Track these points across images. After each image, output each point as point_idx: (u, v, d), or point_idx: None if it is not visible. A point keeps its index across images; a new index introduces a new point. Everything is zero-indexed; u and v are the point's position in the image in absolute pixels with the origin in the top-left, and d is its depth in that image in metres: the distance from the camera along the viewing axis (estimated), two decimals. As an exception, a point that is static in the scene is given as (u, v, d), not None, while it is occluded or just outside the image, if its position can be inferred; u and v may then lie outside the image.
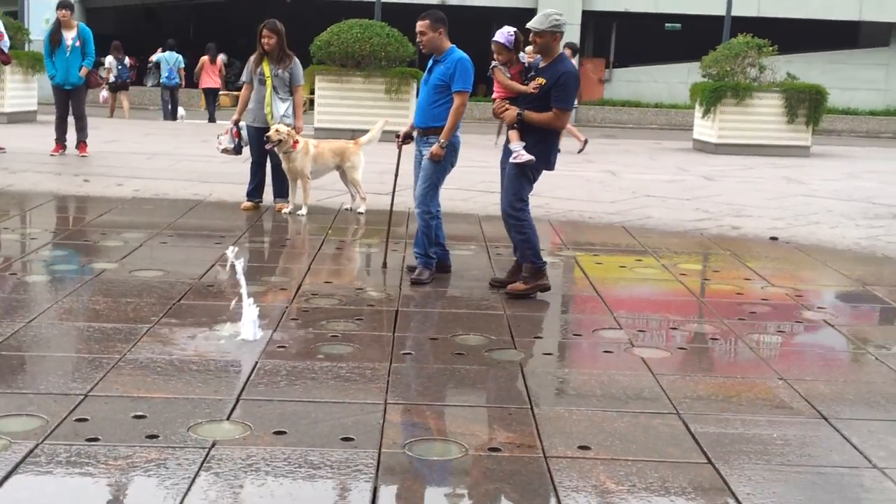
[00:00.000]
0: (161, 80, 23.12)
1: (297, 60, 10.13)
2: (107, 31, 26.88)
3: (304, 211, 9.92)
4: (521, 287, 6.99)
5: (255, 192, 10.26)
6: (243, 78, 10.27)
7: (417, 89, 8.04)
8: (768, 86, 19.08)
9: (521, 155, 6.78)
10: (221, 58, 24.06)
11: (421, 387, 5.07)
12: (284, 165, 9.91)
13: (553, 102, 6.71)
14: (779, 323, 6.61)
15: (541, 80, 6.72)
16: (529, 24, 6.78)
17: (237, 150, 10.42)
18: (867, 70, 30.30)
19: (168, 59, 23.16)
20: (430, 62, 7.39)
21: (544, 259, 7.11)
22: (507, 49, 6.90)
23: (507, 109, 6.86)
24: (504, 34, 6.91)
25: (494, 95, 7.05)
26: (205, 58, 23.88)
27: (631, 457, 4.18)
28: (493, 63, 7.00)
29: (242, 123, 10.30)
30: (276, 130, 9.65)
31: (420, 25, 7.24)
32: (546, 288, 7.00)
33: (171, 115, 22.88)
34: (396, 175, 7.83)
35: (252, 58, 10.09)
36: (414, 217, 7.52)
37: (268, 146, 9.72)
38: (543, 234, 7.29)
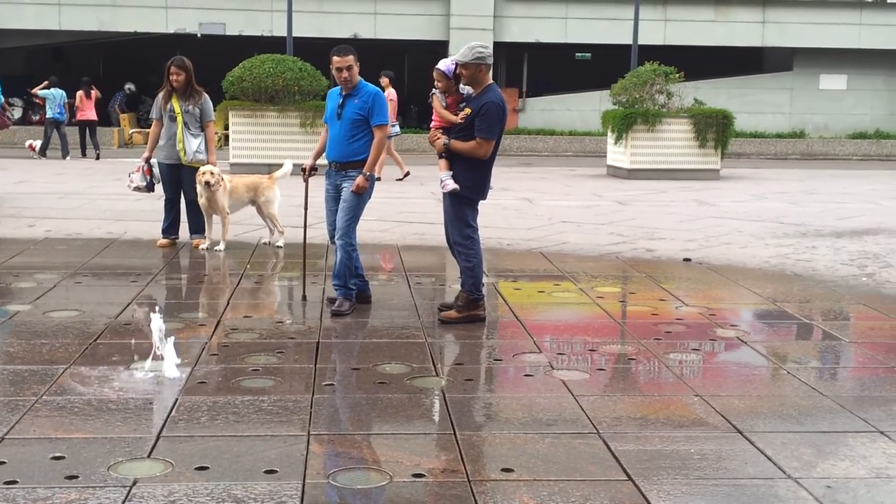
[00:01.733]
0: (52, 116, 22.98)
1: (206, 96, 10.09)
2: (15, 72, 26.45)
3: (221, 246, 9.86)
4: (454, 315, 7.07)
5: (170, 228, 10.18)
6: (153, 115, 10.17)
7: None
8: (677, 112, 19.55)
9: (447, 184, 6.90)
10: (95, 92, 24.22)
11: (344, 417, 5.08)
12: (202, 201, 9.84)
13: (476, 131, 6.81)
14: (694, 341, 6.75)
15: (468, 111, 6.84)
16: (455, 58, 6.88)
17: (149, 188, 10.34)
18: (772, 94, 31.19)
19: (55, 95, 23.01)
20: (338, 97, 7.38)
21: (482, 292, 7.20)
22: (446, 77, 7.00)
23: (438, 138, 6.96)
24: (446, 63, 7.01)
25: (432, 124, 7.14)
26: (80, 92, 24.01)
27: (553, 477, 4.24)
28: (433, 90, 7.08)
29: (153, 161, 10.20)
30: (210, 173, 9.64)
31: (344, 61, 7.19)
32: (481, 318, 7.10)
33: (65, 151, 22.87)
34: (306, 208, 7.86)
35: (161, 94, 10.03)
36: (331, 250, 7.51)
37: (212, 189, 9.68)
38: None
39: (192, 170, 9.91)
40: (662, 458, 4.48)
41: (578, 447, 4.62)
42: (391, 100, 17.69)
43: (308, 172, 7.66)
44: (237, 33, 28.82)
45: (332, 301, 7.42)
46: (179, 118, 9.85)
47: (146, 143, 10.73)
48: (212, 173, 9.68)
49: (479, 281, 7.14)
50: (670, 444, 4.68)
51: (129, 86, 31.60)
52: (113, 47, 32.39)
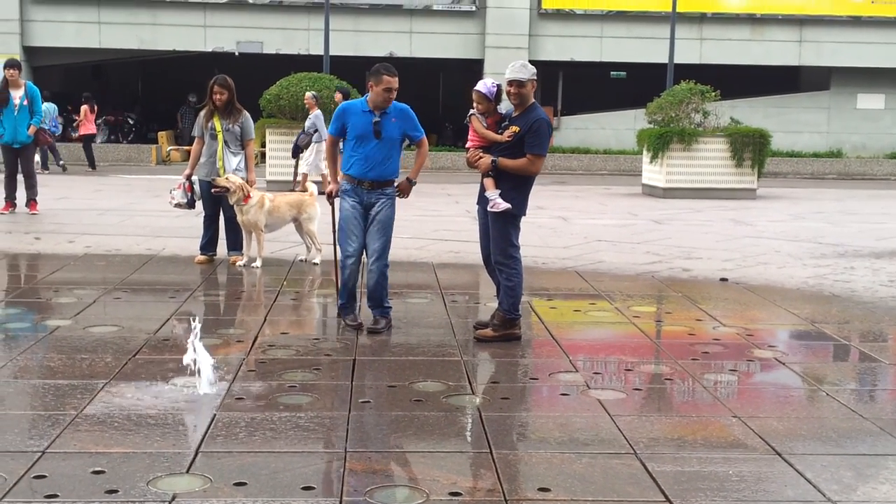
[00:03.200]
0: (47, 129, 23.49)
1: (247, 114, 10.20)
2: (54, 90, 26.82)
3: (258, 263, 9.93)
4: (490, 334, 7.08)
5: (208, 245, 10.26)
6: (195, 132, 10.29)
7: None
8: (713, 131, 19.48)
9: (498, 204, 6.92)
10: (96, 107, 25.40)
11: (380, 434, 5.09)
12: (238, 218, 9.93)
13: (527, 148, 6.86)
14: (731, 362, 6.71)
15: (515, 129, 6.87)
16: (512, 76, 6.90)
17: (190, 205, 10.41)
18: (809, 113, 30.98)
19: (49, 110, 23.26)
20: (368, 115, 7.29)
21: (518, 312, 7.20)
22: (487, 99, 7.04)
23: (480, 158, 6.98)
24: (486, 85, 7.06)
25: (469, 144, 7.16)
26: (85, 107, 24.66)
27: (590, 497, 4.23)
28: (471, 111, 7.12)
29: (194, 178, 10.30)
30: (227, 178, 9.76)
31: (396, 81, 7.22)
32: (517, 337, 7.10)
33: (57, 162, 23.40)
34: (335, 228, 7.78)
35: (203, 113, 10.15)
36: (366, 268, 7.51)
37: (214, 191, 9.79)
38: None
39: None
40: (700, 480, 4.46)
41: (615, 467, 4.60)
42: None
43: (335, 196, 7.64)
44: (274, 52, 29.06)
45: (369, 329, 7.40)
46: (220, 136, 9.98)
47: (183, 161, 10.84)
48: (227, 178, 9.78)
49: (517, 301, 7.14)
50: (708, 465, 4.65)
51: (192, 97, 31.95)
52: (152, 65, 32.77)
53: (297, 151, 17.01)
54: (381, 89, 7.21)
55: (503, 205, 6.93)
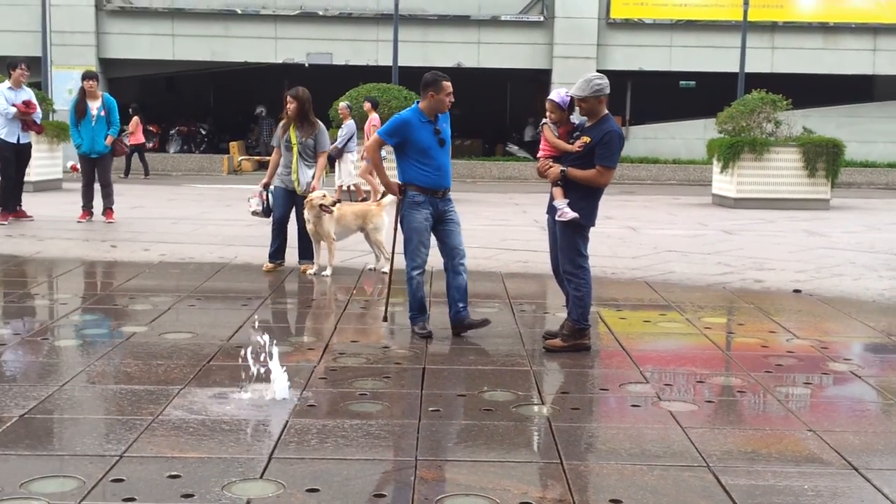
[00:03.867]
0: None
1: (321, 127, 10.38)
2: (129, 101, 27.37)
3: (328, 272, 10.03)
4: (559, 344, 7.07)
5: (276, 253, 10.39)
6: (273, 143, 10.57)
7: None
8: (785, 140, 19.22)
9: (566, 213, 6.91)
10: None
11: (451, 443, 5.11)
12: (311, 228, 10.04)
13: (597, 160, 6.84)
14: (805, 375, 6.61)
15: (586, 139, 6.86)
16: (572, 92, 6.93)
17: (266, 213, 10.58)
18: (883, 123, 30.41)
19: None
20: (428, 124, 7.37)
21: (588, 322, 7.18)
22: (560, 108, 7.06)
23: (550, 167, 6.99)
24: (560, 94, 7.08)
25: (540, 154, 7.18)
26: (135, 118, 25.46)
27: (663, 509, 4.20)
28: (544, 120, 7.16)
29: (272, 188, 10.47)
30: (323, 196, 9.99)
31: (450, 87, 7.39)
32: (586, 347, 7.08)
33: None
34: (395, 235, 7.77)
35: (281, 123, 10.40)
36: (436, 276, 7.58)
37: (326, 213, 9.99)
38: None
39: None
40: (775, 494, 4.40)
41: (688, 480, 4.56)
42: (374, 124, 18.02)
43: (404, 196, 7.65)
44: (343, 63, 29.34)
45: (472, 324, 7.56)
46: (295, 149, 10.14)
47: (255, 171, 10.97)
48: (324, 196, 9.98)
49: (587, 311, 7.12)
50: (783, 479, 4.59)
51: (261, 109, 32.47)
52: (223, 77, 33.29)
53: (330, 162, 17.17)
54: (443, 96, 7.32)
55: (571, 214, 6.92)
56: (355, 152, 17.83)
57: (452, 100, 7.41)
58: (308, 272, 10.13)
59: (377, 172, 7.82)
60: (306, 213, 10.05)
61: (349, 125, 17.97)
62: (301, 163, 10.17)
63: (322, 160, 10.34)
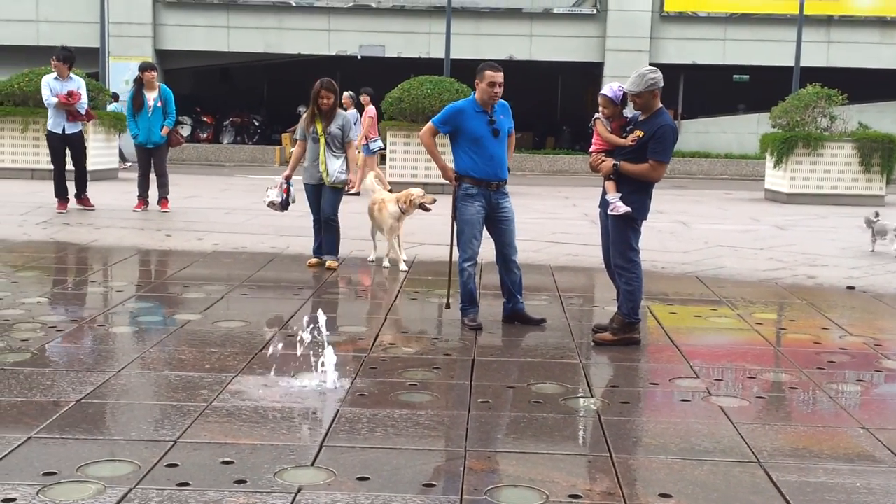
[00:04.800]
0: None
1: (346, 116, 10.20)
2: (184, 92, 27.68)
3: (403, 266, 10.09)
4: (609, 338, 7.06)
5: (321, 248, 10.24)
6: (297, 136, 10.30)
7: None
8: (840, 135, 18.96)
9: (618, 207, 6.90)
10: None
11: (499, 434, 5.13)
12: (392, 222, 9.98)
13: (650, 154, 6.81)
14: (858, 372, 6.55)
15: (639, 133, 6.84)
16: (626, 88, 6.90)
17: (284, 206, 10.45)
18: (941, 118, 29.87)
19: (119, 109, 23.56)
20: (483, 114, 7.42)
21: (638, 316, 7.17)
22: (613, 103, 7.03)
23: (603, 161, 6.98)
24: (612, 89, 7.04)
25: (592, 148, 7.17)
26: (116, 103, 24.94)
27: (713, 504, 4.19)
28: (596, 115, 7.14)
29: (293, 180, 10.34)
30: (423, 194, 9.92)
31: (500, 75, 7.40)
32: (636, 341, 7.07)
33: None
34: (453, 226, 7.73)
35: (305, 116, 10.14)
36: (486, 269, 7.62)
37: (425, 211, 9.98)
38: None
39: (335, 190, 9.99)
40: (827, 491, 4.37)
41: (738, 475, 4.54)
42: (371, 116, 18.19)
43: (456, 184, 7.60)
44: (396, 55, 29.42)
45: (529, 319, 7.65)
46: (322, 140, 9.89)
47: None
48: (423, 194, 9.91)
49: (637, 305, 7.10)
50: (835, 476, 4.55)
51: (301, 108, 32.73)
52: (276, 68, 33.52)
53: None
54: (485, 84, 7.37)
55: (623, 208, 6.91)
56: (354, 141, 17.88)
57: (497, 91, 7.38)
58: (377, 261, 10.31)
59: (433, 157, 7.74)
60: (394, 207, 9.91)
61: (350, 114, 18.06)
62: (329, 153, 9.90)
63: (352, 151, 10.16)
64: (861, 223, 12.48)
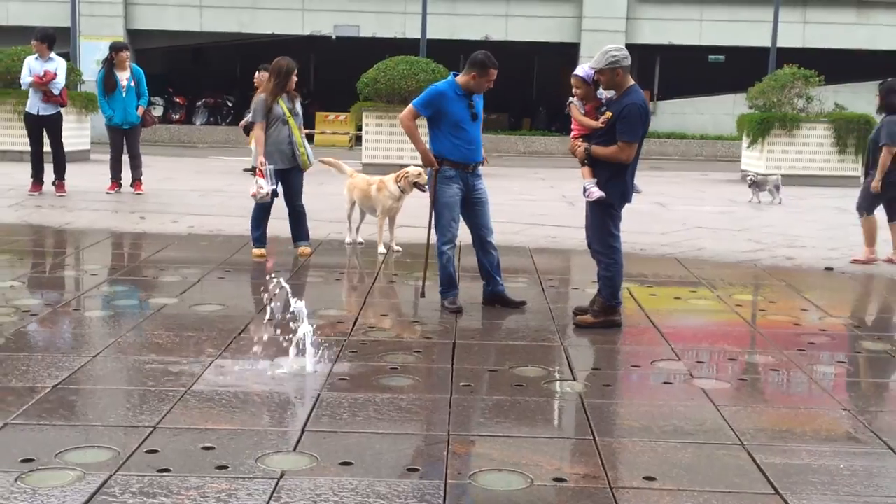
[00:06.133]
0: None
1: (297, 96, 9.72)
2: (156, 72, 27.41)
3: (397, 247, 10.01)
4: (590, 320, 7.03)
5: (264, 237, 9.64)
6: (257, 118, 9.34)
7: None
8: (816, 116, 19.02)
9: (593, 193, 6.83)
10: None
11: (483, 418, 5.09)
12: (391, 203, 9.74)
13: (617, 135, 6.71)
14: (839, 354, 6.56)
15: (609, 114, 6.75)
16: (590, 65, 6.83)
17: (275, 193, 9.56)
18: (915, 99, 30.02)
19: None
20: (463, 98, 7.36)
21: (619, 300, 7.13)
22: (585, 83, 6.92)
23: (579, 146, 6.90)
24: (585, 69, 6.94)
25: (572, 133, 7.09)
26: None
27: (697, 488, 4.17)
28: (570, 98, 7.05)
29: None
30: (420, 172, 9.28)
31: (496, 73, 7.37)
32: (617, 324, 7.04)
33: None
34: (433, 211, 7.59)
35: (263, 96, 9.34)
36: (465, 250, 7.60)
37: (421, 191, 9.37)
38: (594, 266, 7.31)
39: (301, 173, 9.56)
40: (810, 473, 4.36)
41: (722, 458, 4.53)
42: None
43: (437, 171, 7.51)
44: (371, 35, 29.24)
45: (509, 302, 7.65)
46: (291, 121, 9.32)
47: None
48: (420, 173, 9.34)
49: (617, 289, 7.06)
50: (818, 458, 4.55)
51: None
52: (250, 49, 33.25)
53: (248, 131, 16.55)
54: (484, 81, 7.32)
55: (598, 193, 6.83)
56: None
57: (491, 87, 7.39)
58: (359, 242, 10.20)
59: (413, 141, 7.54)
60: (394, 187, 9.67)
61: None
62: (302, 136, 9.40)
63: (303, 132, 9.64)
64: (838, 203, 12.54)
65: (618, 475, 4.30)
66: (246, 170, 17.67)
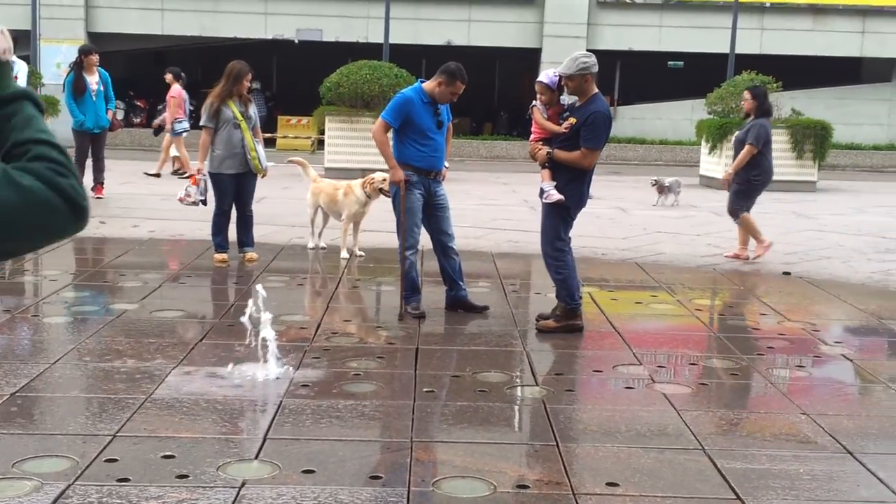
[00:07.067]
0: None
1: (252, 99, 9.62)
2: (117, 75, 27.12)
3: (361, 253, 9.96)
4: (552, 325, 7.06)
5: (226, 241, 9.50)
6: (206, 122, 9.18)
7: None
8: (774, 122, 19.15)
9: (551, 195, 6.88)
10: None
11: (446, 424, 5.09)
12: (357, 208, 9.67)
13: (581, 141, 6.78)
14: (798, 357, 6.63)
15: (572, 120, 6.81)
16: (559, 70, 6.88)
17: (205, 202, 9.54)
18: (870, 105, 30.42)
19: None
20: (429, 107, 7.36)
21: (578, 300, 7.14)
22: (549, 89, 6.99)
23: (540, 149, 6.95)
24: (549, 75, 7.01)
25: (532, 137, 7.14)
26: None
27: (660, 493, 4.20)
28: (533, 102, 7.10)
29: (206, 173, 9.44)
30: (384, 178, 8.85)
31: (462, 89, 7.38)
32: (578, 328, 7.06)
33: None
34: (401, 220, 7.55)
35: (211, 100, 9.16)
36: (429, 255, 7.61)
37: (386, 196, 8.95)
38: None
39: (254, 179, 9.40)
40: (771, 478, 4.41)
41: (684, 463, 4.56)
42: (172, 96, 17.69)
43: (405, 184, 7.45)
44: (334, 39, 29.15)
45: (472, 306, 7.62)
46: (243, 124, 9.12)
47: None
48: (384, 179, 8.96)
49: (573, 291, 7.08)
50: (778, 462, 4.59)
51: (256, 84, 32.26)
52: (212, 52, 33.04)
53: (158, 131, 16.51)
54: (448, 91, 7.33)
55: (556, 196, 6.89)
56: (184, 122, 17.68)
57: (454, 99, 7.43)
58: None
59: (385, 156, 7.41)
60: (360, 192, 9.57)
61: (182, 93, 17.87)
62: (254, 140, 9.18)
63: (260, 137, 9.52)
64: (794, 208, 12.67)
65: (581, 481, 4.31)
66: (175, 172, 17.68)
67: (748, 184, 10.46)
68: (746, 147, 10.21)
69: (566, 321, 7.07)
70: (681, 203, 15.35)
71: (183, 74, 17.85)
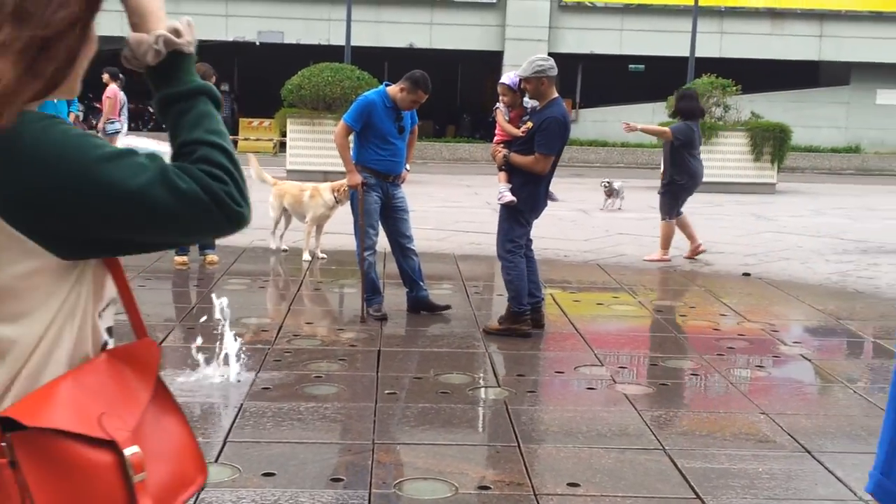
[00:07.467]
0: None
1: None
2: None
3: (322, 255, 9.97)
4: (494, 326, 7.05)
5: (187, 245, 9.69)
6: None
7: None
8: (734, 125, 19.39)
9: (504, 196, 6.90)
10: None
11: (408, 426, 5.08)
12: (324, 212, 9.78)
13: (535, 146, 6.78)
14: (757, 357, 6.68)
15: (529, 124, 6.82)
16: (517, 72, 6.90)
17: None
18: (828, 108, 30.83)
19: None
20: (392, 112, 7.35)
21: (527, 305, 7.12)
22: (512, 91, 7.00)
23: (499, 152, 6.97)
24: (511, 77, 7.03)
25: (496, 139, 7.16)
26: None
27: (620, 493, 4.21)
28: (497, 105, 7.11)
29: None
30: (343, 190, 9.12)
31: (424, 98, 7.38)
32: (524, 334, 7.00)
33: None
34: (359, 221, 7.52)
35: None
36: (403, 253, 7.61)
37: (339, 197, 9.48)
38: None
39: None
40: (730, 477, 4.44)
41: (645, 463, 4.58)
42: (108, 97, 17.31)
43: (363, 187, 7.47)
44: (295, 41, 29.07)
45: (433, 306, 7.64)
46: None
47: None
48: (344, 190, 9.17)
49: (520, 294, 7.06)
50: (738, 462, 4.63)
51: (224, 86, 32.06)
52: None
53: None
54: (410, 98, 7.32)
55: (508, 197, 6.92)
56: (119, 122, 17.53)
57: (415, 108, 7.46)
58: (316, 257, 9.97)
59: (344, 160, 7.42)
60: (329, 196, 9.66)
61: (117, 93, 17.63)
62: None
63: None
64: (754, 210, 12.78)
65: (542, 482, 4.32)
66: None
67: (671, 186, 10.51)
68: (663, 128, 11.09)
69: (509, 324, 7.01)
70: (623, 207, 15.50)
71: (122, 75, 17.49)
